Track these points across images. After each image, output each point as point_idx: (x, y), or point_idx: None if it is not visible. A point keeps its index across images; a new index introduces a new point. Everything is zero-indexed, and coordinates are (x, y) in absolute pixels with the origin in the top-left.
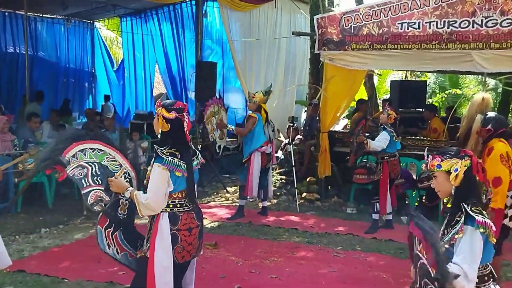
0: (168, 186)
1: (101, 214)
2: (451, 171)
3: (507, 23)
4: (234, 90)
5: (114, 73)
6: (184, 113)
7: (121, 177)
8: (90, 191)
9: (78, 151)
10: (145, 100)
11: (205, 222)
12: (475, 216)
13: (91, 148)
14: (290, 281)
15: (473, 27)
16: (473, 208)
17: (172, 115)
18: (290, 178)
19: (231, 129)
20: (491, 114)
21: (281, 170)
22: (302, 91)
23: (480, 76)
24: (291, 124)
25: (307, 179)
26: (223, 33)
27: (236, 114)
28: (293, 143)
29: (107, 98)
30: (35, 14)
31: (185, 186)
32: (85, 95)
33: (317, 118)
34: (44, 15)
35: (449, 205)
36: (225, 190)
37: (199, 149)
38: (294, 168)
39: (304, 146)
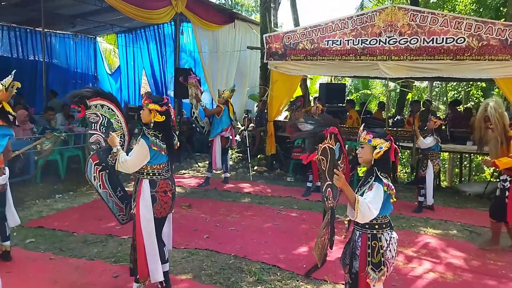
0: (145, 159)
1: (94, 152)
2: (377, 147)
3: (403, 41)
4: (205, 89)
5: (111, 76)
6: (170, 105)
7: (118, 136)
8: (93, 133)
9: (99, 104)
10: (134, 97)
11: (181, 189)
12: (383, 179)
13: (108, 107)
14: (245, 232)
15: (379, 44)
16: (382, 174)
17: (164, 108)
18: (245, 155)
19: (203, 104)
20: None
21: (239, 149)
22: (254, 91)
23: (384, 80)
24: (246, 115)
25: (258, 156)
26: (194, 47)
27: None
28: (247, 129)
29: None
30: (50, 30)
31: (163, 160)
32: None
33: (265, 111)
34: (57, 31)
35: (361, 175)
36: (196, 165)
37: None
38: (248, 148)
39: (256, 132)
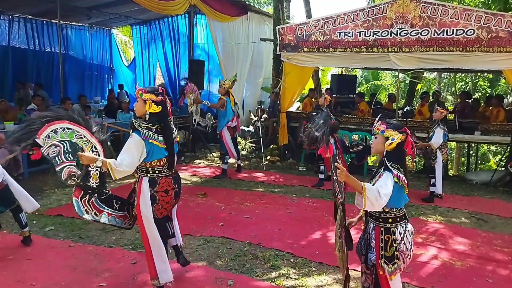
0: (142, 155)
1: (74, 187)
2: (389, 138)
3: (414, 33)
4: (216, 81)
5: (127, 68)
6: (166, 96)
7: (89, 151)
8: (63, 167)
9: (50, 131)
10: None
11: (196, 178)
12: (392, 170)
13: (61, 128)
14: (258, 220)
15: (391, 36)
16: (392, 165)
17: (160, 98)
18: (258, 146)
19: (206, 103)
20: None
21: (252, 140)
22: (267, 82)
23: (394, 72)
24: (259, 106)
25: (271, 146)
26: (207, 41)
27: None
28: (261, 120)
29: (121, 87)
30: (66, 22)
31: (163, 155)
32: (105, 84)
33: (278, 102)
34: (73, 23)
35: (371, 164)
36: (211, 155)
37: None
38: (261, 138)
39: (269, 122)
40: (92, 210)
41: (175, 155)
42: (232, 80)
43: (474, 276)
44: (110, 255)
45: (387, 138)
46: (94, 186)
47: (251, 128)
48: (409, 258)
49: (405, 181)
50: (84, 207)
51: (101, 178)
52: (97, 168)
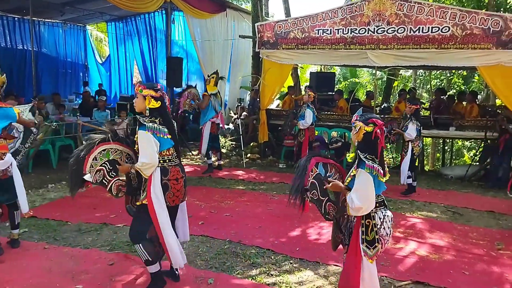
0: (154, 144)
1: (120, 194)
2: (355, 128)
3: (391, 30)
4: (195, 78)
5: (101, 65)
6: (164, 91)
7: (124, 160)
8: (111, 185)
9: (92, 161)
10: (127, 86)
11: None
12: (366, 161)
13: (99, 153)
14: (239, 217)
15: (368, 33)
16: (367, 156)
17: (159, 94)
18: (238, 144)
19: (196, 105)
20: None
21: (232, 137)
22: (246, 79)
23: (371, 69)
24: (239, 104)
25: (251, 144)
26: (185, 38)
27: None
28: (240, 117)
29: (85, 84)
30: (39, 19)
31: (170, 145)
32: (80, 82)
33: (258, 99)
34: (46, 20)
35: (350, 160)
36: (190, 153)
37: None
38: (241, 136)
39: (249, 120)
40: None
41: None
42: (220, 77)
43: (451, 268)
44: (86, 256)
45: (355, 129)
46: (135, 185)
47: (231, 126)
48: (387, 243)
49: (380, 170)
50: (133, 207)
51: (139, 176)
52: (133, 172)
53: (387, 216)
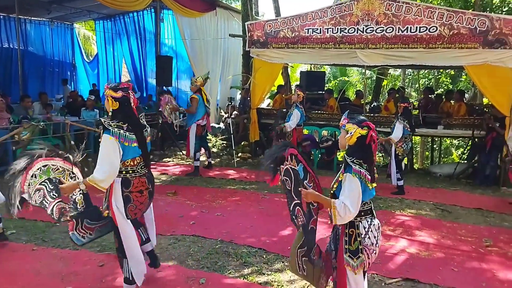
0: (117, 152)
1: (68, 221)
2: (349, 132)
3: (380, 30)
4: (185, 78)
5: (89, 64)
6: (130, 91)
7: (68, 179)
8: (52, 208)
9: (30, 178)
10: None
11: (166, 176)
12: (353, 166)
13: (38, 169)
14: (230, 217)
15: (357, 33)
16: (354, 161)
17: (119, 94)
18: (229, 143)
19: (182, 109)
20: None
21: (223, 137)
22: (237, 79)
23: (361, 68)
24: (230, 103)
25: (242, 143)
26: (174, 38)
27: (187, 96)
28: (231, 117)
29: (65, 81)
30: (25, 17)
31: (137, 154)
32: (68, 81)
33: (248, 98)
34: (32, 18)
35: (340, 159)
36: (180, 153)
37: (160, 122)
38: (232, 135)
39: (239, 119)
40: (87, 232)
41: (149, 153)
42: (204, 77)
43: (440, 265)
44: (75, 258)
45: (347, 132)
46: (82, 210)
47: (221, 125)
48: (375, 254)
49: (368, 176)
50: (80, 234)
51: (86, 199)
52: (80, 192)
53: (374, 225)
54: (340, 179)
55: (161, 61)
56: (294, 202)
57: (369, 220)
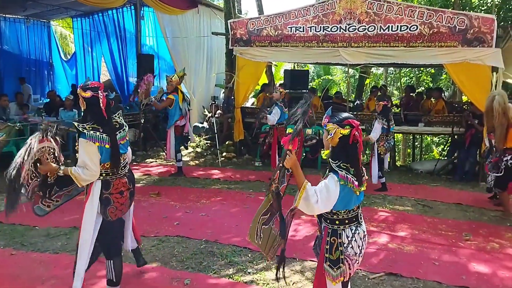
0: (98, 153)
1: (32, 197)
2: (330, 133)
3: (362, 29)
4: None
5: (67, 63)
6: (100, 91)
7: (47, 159)
8: (30, 188)
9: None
10: None
11: (149, 177)
12: (339, 171)
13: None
14: (215, 217)
15: (340, 31)
16: (340, 165)
17: (88, 94)
18: (213, 142)
19: (151, 99)
20: None
21: (207, 136)
22: (221, 77)
23: (344, 67)
24: (213, 102)
25: (226, 142)
26: (157, 33)
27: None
28: (215, 116)
29: (22, 80)
30: (0, 14)
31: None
32: (45, 80)
33: (232, 97)
34: (6, 15)
35: (324, 157)
36: (163, 153)
37: (142, 122)
38: (216, 134)
39: (223, 118)
40: (53, 201)
41: (126, 154)
42: (180, 75)
43: (422, 259)
44: (56, 261)
45: (329, 133)
46: (52, 181)
47: (205, 124)
48: (357, 264)
49: (355, 182)
50: (45, 205)
51: (63, 176)
52: (61, 175)
53: (358, 233)
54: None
55: (142, 60)
56: (280, 165)
57: (354, 228)
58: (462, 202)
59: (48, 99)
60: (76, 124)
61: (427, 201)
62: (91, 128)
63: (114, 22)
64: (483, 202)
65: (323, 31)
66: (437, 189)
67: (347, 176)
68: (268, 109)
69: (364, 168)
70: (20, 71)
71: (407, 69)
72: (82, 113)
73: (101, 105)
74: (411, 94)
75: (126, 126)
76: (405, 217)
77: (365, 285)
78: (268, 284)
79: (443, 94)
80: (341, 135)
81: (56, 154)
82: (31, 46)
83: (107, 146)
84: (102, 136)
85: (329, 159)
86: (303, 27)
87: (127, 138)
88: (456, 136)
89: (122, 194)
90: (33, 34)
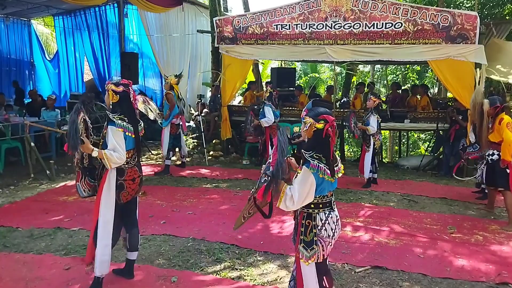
0: (124, 140)
1: (76, 172)
2: (305, 125)
3: (347, 26)
4: (152, 76)
5: (49, 62)
6: (130, 87)
7: (83, 134)
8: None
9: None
10: (77, 84)
11: None
12: (311, 161)
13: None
14: (202, 215)
15: (325, 29)
16: (314, 155)
17: (120, 88)
18: (200, 141)
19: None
20: (491, 98)
21: (193, 135)
22: (207, 76)
23: (330, 64)
24: (200, 101)
25: (213, 141)
26: (141, 31)
27: (155, 95)
28: (201, 115)
29: (15, 83)
30: None
31: (131, 146)
32: (26, 80)
33: (219, 95)
34: None
35: None
36: (149, 153)
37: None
38: (203, 133)
39: (210, 117)
40: (87, 188)
41: (141, 146)
42: (177, 75)
43: (407, 252)
44: (40, 262)
45: (305, 125)
46: (86, 166)
47: (192, 123)
48: (330, 245)
49: (327, 170)
50: (82, 187)
51: (90, 157)
52: (94, 157)
53: (331, 217)
54: (299, 172)
55: (126, 58)
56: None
57: (327, 212)
58: (447, 197)
59: (30, 99)
60: (108, 113)
61: (413, 196)
62: (119, 118)
63: (97, 20)
64: (467, 196)
65: (309, 29)
66: (422, 184)
67: (319, 165)
68: (256, 107)
69: (338, 158)
70: (0, 71)
71: (394, 67)
72: (111, 106)
73: (132, 99)
74: (397, 91)
75: (142, 122)
76: (391, 211)
77: (351, 278)
78: (255, 279)
79: (428, 91)
80: (316, 128)
81: (89, 130)
82: (11, 45)
83: (132, 135)
84: (128, 126)
85: (303, 150)
86: (289, 24)
87: (142, 133)
88: (441, 132)
89: (134, 181)
90: (13, 33)
